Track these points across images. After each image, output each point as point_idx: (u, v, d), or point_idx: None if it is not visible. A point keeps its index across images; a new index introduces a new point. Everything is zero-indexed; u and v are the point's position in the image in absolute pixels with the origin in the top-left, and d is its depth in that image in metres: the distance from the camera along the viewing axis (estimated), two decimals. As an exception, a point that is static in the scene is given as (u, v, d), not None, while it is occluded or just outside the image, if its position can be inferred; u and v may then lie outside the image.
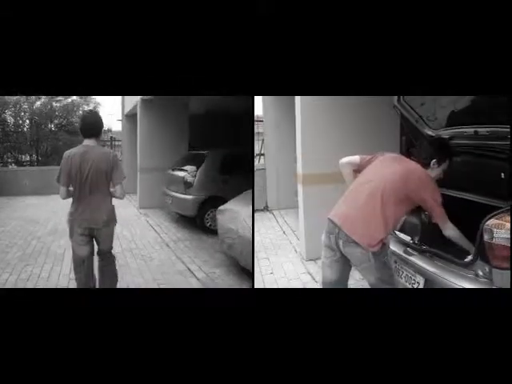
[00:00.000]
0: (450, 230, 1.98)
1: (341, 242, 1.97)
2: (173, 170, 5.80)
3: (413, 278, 2.18)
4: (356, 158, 2.22)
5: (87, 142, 2.51)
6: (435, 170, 2.10)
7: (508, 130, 2.20)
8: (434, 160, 2.09)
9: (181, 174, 5.47)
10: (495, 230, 1.73)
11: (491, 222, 1.76)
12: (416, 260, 2.18)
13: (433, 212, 1.99)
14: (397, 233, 2.49)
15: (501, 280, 1.74)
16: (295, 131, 3.93)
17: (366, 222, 1.93)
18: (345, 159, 2.27)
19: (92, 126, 2.52)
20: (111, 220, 2.59)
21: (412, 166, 2.05)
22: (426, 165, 2.08)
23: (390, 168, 2.03)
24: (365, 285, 2.55)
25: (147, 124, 7.15)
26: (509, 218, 1.72)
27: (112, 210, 2.59)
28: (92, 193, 2.47)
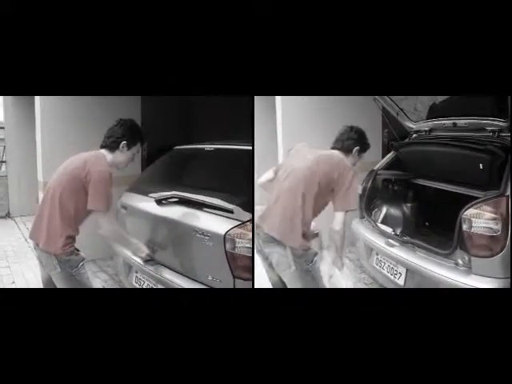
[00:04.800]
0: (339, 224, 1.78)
1: (261, 242, 1.86)
2: (158, 201, 2.11)
3: (395, 268, 2.21)
4: (270, 173, 2.03)
5: (100, 151, 1.92)
6: (353, 158, 1.97)
7: (485, 121, 2.26)
8: (357, 148, 1.96)
9: (189, 215, 1.95)
10: (474, 219, 1.77)
11: (470, 211, 1.79)
12: (398, 251, 2.21)
13: (348, 195, 1.78)
14: (379, 224, 2.52)
15: (479, 268, 1.78)
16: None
17: (286, 216, 1.79)
18: (261, 179, 2.06)
19: (107, 133, 1.94)
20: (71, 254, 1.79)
21: (327, 152, 1.94)
22: (348, 151, 1.96)
23: (304, 158, 1.90)
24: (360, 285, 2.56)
25: (57, 110, 3.56)
26: (487, 208, 1.75)
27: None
28: (56, 214, 1.79)
